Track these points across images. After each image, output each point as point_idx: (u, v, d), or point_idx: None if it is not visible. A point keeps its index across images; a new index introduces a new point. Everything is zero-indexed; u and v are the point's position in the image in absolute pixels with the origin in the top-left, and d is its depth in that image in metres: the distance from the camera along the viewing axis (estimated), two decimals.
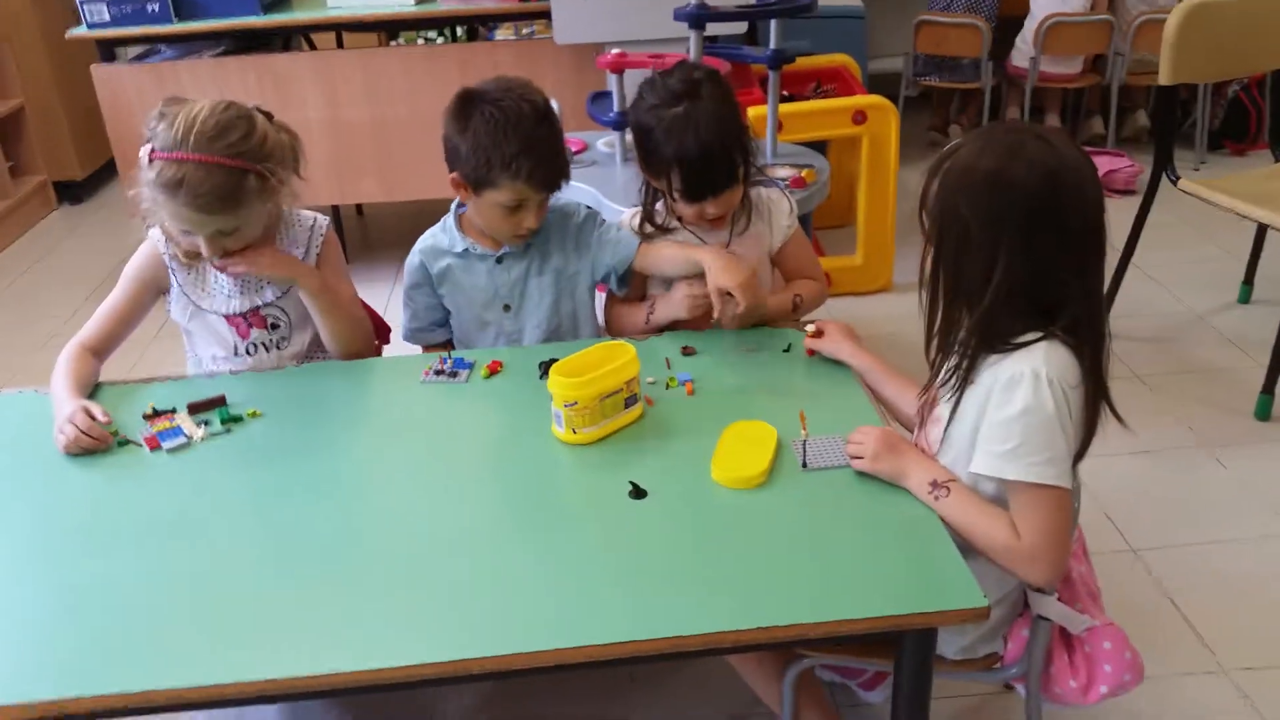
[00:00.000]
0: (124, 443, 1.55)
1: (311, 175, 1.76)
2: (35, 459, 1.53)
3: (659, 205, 1.87)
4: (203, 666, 1.13)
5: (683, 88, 1.73)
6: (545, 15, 3.30)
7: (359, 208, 4.35)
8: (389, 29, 4.16)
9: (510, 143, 1.66)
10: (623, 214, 1.96)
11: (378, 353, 1.93)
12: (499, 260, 1.83)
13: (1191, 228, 3.61)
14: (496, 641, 1.14)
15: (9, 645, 1.19)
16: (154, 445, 1.54)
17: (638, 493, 1.37)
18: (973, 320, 1.29)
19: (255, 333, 1.79)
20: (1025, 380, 1.25)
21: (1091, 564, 1.47)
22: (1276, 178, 2.78)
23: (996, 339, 1.29)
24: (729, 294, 1.69)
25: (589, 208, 1.91)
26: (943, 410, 1.38)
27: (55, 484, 1.48)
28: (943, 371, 1.37)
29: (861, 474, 1.38)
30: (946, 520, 1.30)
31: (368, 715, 1.90)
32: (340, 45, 4.04)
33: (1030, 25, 4.30)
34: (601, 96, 2.93)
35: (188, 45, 3.56)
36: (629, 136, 2.36)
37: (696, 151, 1.70)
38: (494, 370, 1.70)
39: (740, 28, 3.28)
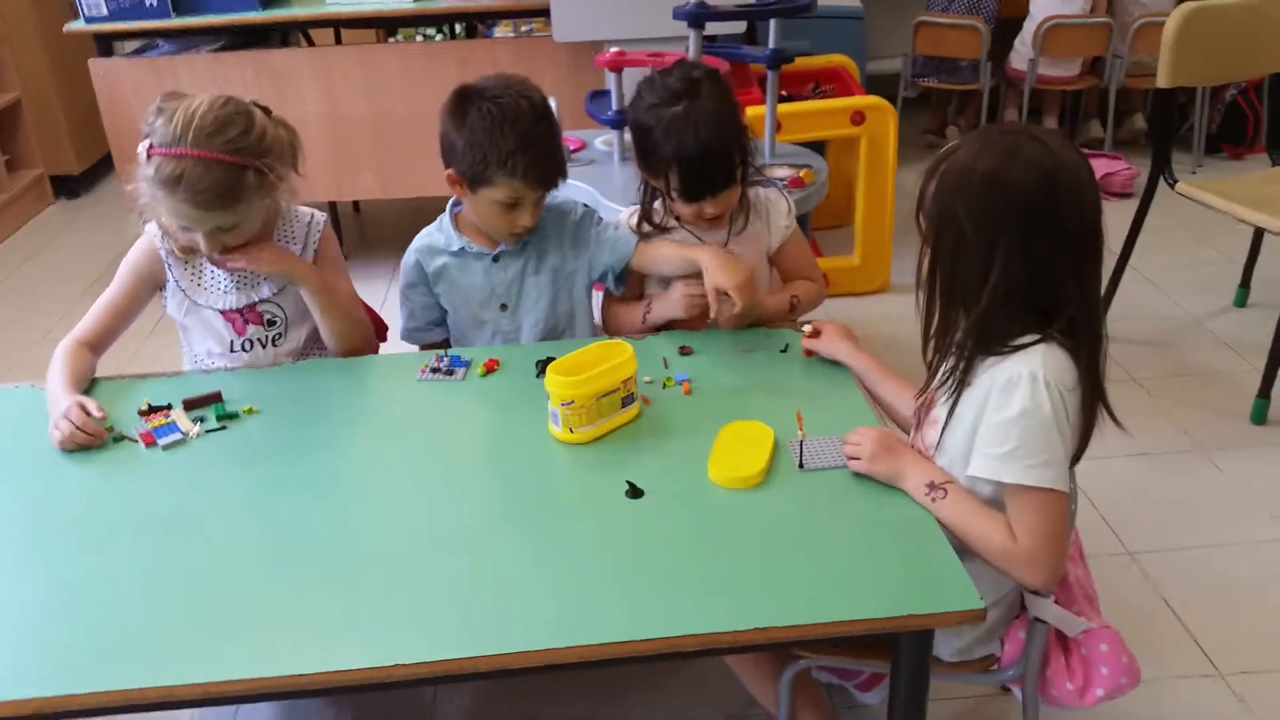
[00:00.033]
0: (119, 439, 1.55)
1: (309, 172, 1.75)
2: (30, 454, 1.53)
3: (657, 204, 1.86)
4: (198, 664, 1.13)
5: (682, 87, 1.73)
6: (544, 13, 3.29)
7: (356, 205, 4.34)
8: (387, 25, 4.15)
9: (507, 140, 1.66)
10: (621, 213, 1.95)
11: (375, 351, 1.92)
12: (495, 259, 1.83)
13: (1189, 231, 3.62)
14: (493, 640, 1.14)
15: (3, 641, 1.18)
16: (149, 441, 1.53)
17: (634, 492, 1.37)
18: (969, 322, 1.29)
19: (251, 329, 1.79)
20: (1023, 383, 1.25)
21: (1088, 567, 1.47)
22: (1274, 182, 2.78)
23: (993, 341, 1.29)
24: (726, 294, 1.69)
25: (586, 206, 1.90)
26: (940, 412, 1.37)
27: (50, 480, 1.48)
28: (940, 373, 1.37)
29: (858, 475, 1.38)
30: (943, 522, 1.30)
31: (365, 714, 1.90)
32: (339, 42, 4.03)
33: (1029, 27, 4.30)
34: (600, 95, 2.92)
35: (185, 40, 3.56)
36: (627, 135, 2.36)
37: (695, 151, 1.69)
38: (491, 368, 1.70)
39: (739, 27, 3.27)
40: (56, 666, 1.14)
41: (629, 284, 1.90)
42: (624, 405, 1.52)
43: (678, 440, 1.49)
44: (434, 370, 1.70)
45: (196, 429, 1.56)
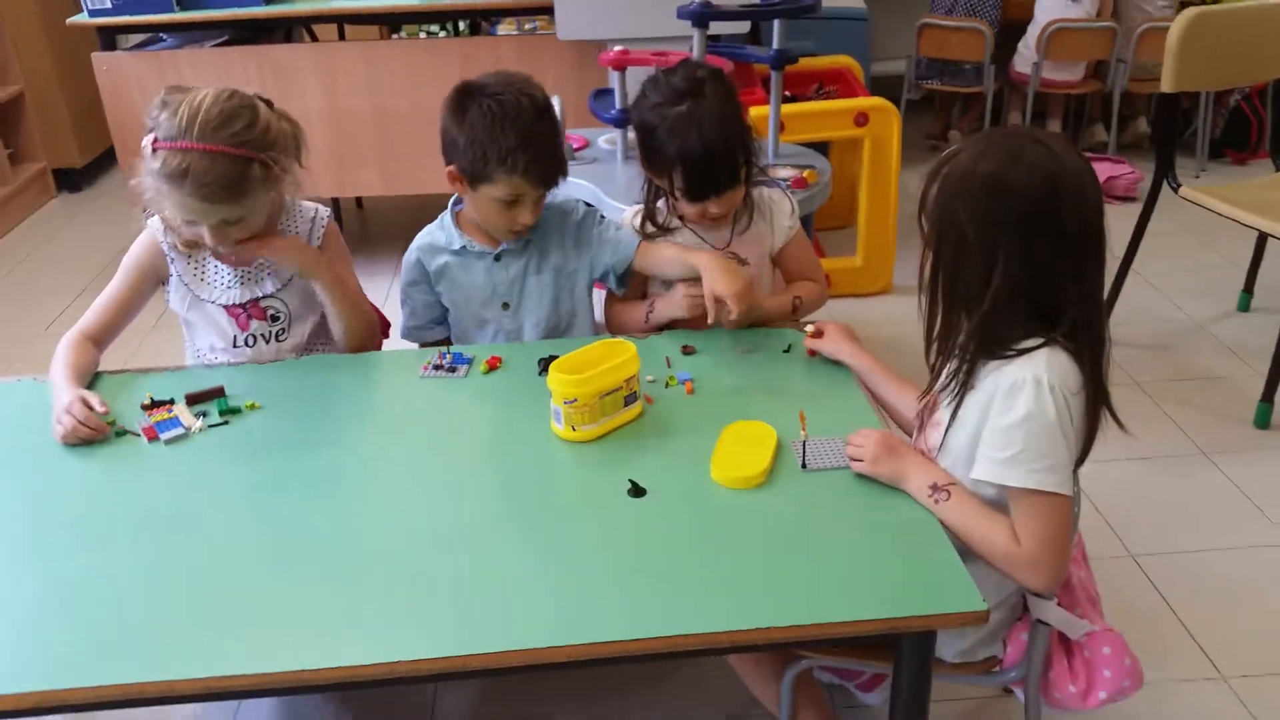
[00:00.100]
0: (121, 433, 1.55)
1: (312, 167, 1.75)
2: (33, 448, 1.53)
3: (660, 203, 1.86)
4: (197, 659, 1.13)
5: (686, 86, 1.72)
6: (548, 11, 3.29)
7: (359, 201, 4.34)
8: (391, 22, 4.15)
9: (507, 137, 1.65)
10: (624, 212, 1.95)
11: (379, 347, 1.92)
12: (497, 258, 1.82)
13: (1192, 235, 3.62)
14: (493, 638, 1.14)
15: (4, 636, 1.18)
16: (152, 436, 1.53)
17: (637, 491, 1.37)
18: (972, 324, 1.29)
19: (255, 324, 1.79)
20: (1027, 386, 1.24)
21: (1091, 569, 1.47)
22: (1277, 187, 2.78)
23: (996, 344, 1.29)
24: (723, 301, 1.68)
25: (588, 205, 1.90)
26: (942, 414, 1.37)
27: (53, 474, 1.47)
28: (943, 375, 1.36)
29: (861, 475, 1.38)
30: (946, 524, 1.29)
31: (366, 712, 1.89)
32: (342, 37, 4.03)
33: (1033, 30, 4.30)
34: (603, 93, 2.92)
35: (189, 34, 3.55)
36: (631, 134, 2.36)
37: (699, 150, 1.69)
38: (493, 366, 1.69)
39: (743, 27, 3.27)
40: (57, 661, 1.14)
41: (631, 284, 1.89)
42: (626, 404, 1.51)
43: (680, 440, 1.48)
44: (436, 367, 1.70)
45: (199, 424, 1.55)
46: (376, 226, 4.24)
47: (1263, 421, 2.57)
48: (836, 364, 1.65)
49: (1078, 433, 1.28)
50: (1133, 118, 4.55)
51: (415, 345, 1.91)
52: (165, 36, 3.57)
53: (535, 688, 1.88)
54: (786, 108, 2.98)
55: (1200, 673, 1.86)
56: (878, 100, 3.21)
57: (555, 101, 1.78)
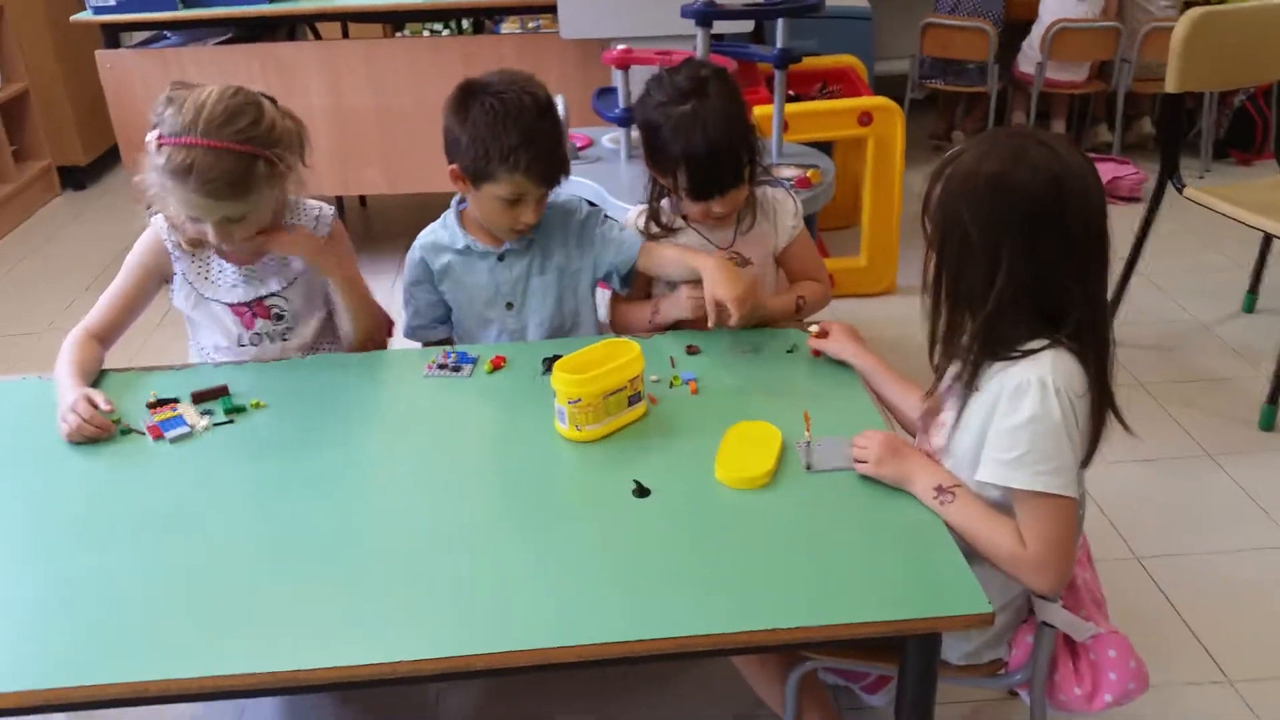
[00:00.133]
0: (126, 431, 1.55)
1: (315, 165, 1.75)
2: (37, 446, 1.52)
3: (664, 203, 1.86)
4: (200, 659, 1.13)
5: (690, 85, 1.72)
6: (552, 9, 3.29)
7: (362, 199, 4.34)
8: (394, 20, 4.15)
9: (509, 135, 1.65)
10: (628, 211, 1.95)
11: (385, 345, 1.92)
12: (501, 258, 1.82)
13: (1196, 236, 3.61)
14: (496, 639, 1.14)
15: (6, 633, 1.18)
16: (157, 434, 1.53)
17: (641, 491, 1.37)
18: (975, 325, 1.28)
19: (260, 323, 1.78)
20: (1032, 388, 1.24)
21: (1096, 571, 1.47)
22: None
23: (999, 345, 1.28)
24: (724, 304, 1.68)
25: (591, 204, 1.90)
26: (947, 416, 1.37)
27: (57, 472, 1.47)
28: (946, 376, 1.36)
29: (865, 477, 1.37)
30: (951, 526, 1.29)
31: (366, 712, 1.89)
32: (345, 36, 4.02)
33: (1038, 30, 4.29)
34: (607, 92, 2.92)
35: (192, 32, 3.55)
36: (634, 133, 2.35)
37: (704, 150, 1.69)
38: (497, 365, 1.69)
39: (747, 26, 3.26)
40: (58, 660, 1.14)
41: (635, 284, 1.89)
42: (631, 404, 1.51)
43: (684, 440, 1.48)
44: (440, 366, 1.69)
45: (203, 422, 1.55)
46: (380, 225, 4.24)
47: (1268, 423, 2.56)
48: (841, 364, 1.64)
49: (1083, 434, 1.28)
50: (1137, 118, 4.54)
51: (418, 344, 1.91)
52: (169, 34, 3.57)
53: (539, 688, 1.88)
54: (790, 107, 2.97)
55: (1206, 676, 1.86)
56: (881, 100, 3.20)
57: (559, 100, 1.78)
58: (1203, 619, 1.97)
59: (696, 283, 1.75)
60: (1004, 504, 1.30)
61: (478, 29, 4.05)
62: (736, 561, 1.24)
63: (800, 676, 1.48)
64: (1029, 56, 4.37)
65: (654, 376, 1.62)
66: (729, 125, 1.70)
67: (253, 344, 1.79)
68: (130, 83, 3.42)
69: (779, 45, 2.63)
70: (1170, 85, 2.63)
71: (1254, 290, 3.15)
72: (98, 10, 3.35)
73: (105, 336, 1.73)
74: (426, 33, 4.46)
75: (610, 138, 2.86)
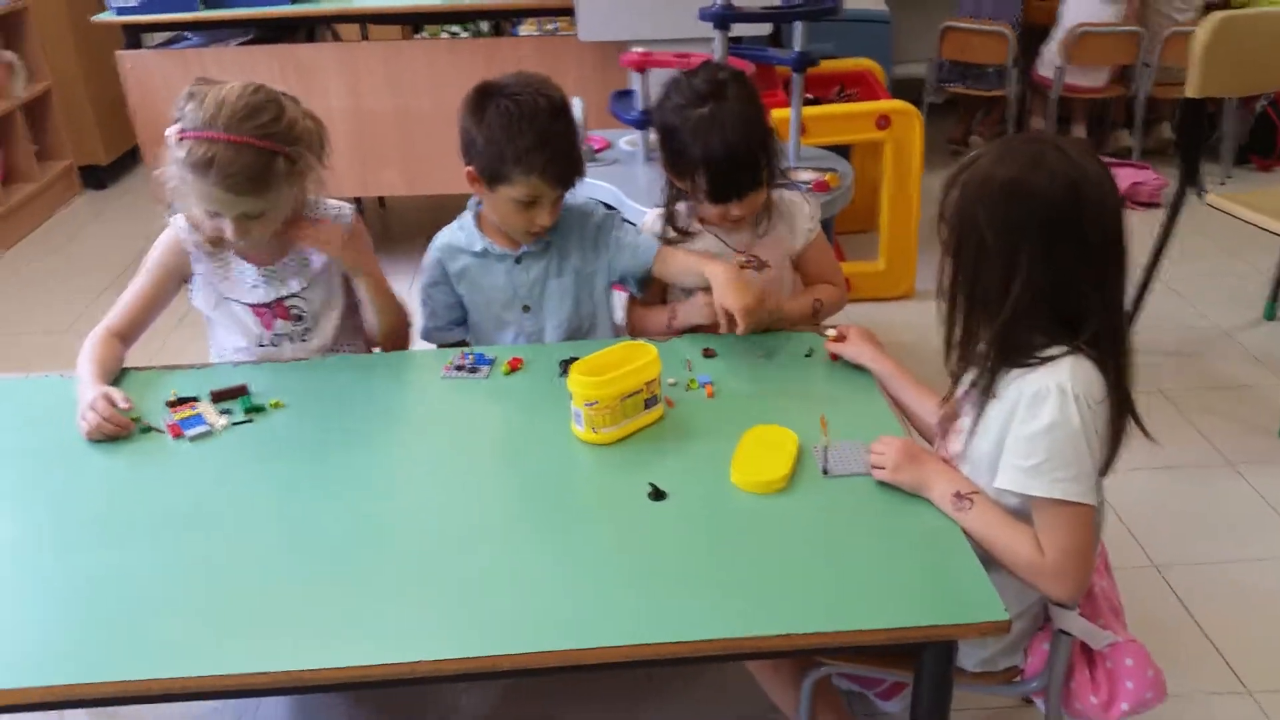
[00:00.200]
0: (146, 430, 1.56)
1: (334, 166, 1.75)
2: (58, 443, 1.54)
3: (680, 206, 1.86)
4: (212, 657, 1.13)
5: (708, 88, 1.72)
6: (569, 12, 3.29)
7: (381, 200, 4.36)
8: (413, 21, 4.16)
9: (525, 137, 1.65)
10: (646, 214, 1.95)
11: (408, 345, 1.93)
12: (518, 260, 1.82)
13: (1216, 242, 3.58)
14: (511, 640, 1.14)
15: (28, 629, 1.19)
16: (177, 433, 1.54)
17: (657, 494, 1.37)
18: (992, 331, 1.28)
19: (279, 324, 1.79)
20: (1051, 395, 1.23)
21: (1114, 579, 1.46)
22: None
23: (1016, 351, 1.27)
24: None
25: (608, 208, 1.90)
26: (964, 422, 1.36)
27: (77, 469, 1.48)
28: (964, 382, 1.35)
29: (883, 482, 1.37)
30: (969, 533, 1.28)
31: (380, 712, 1.90)
32: (365, 37, 4.04)
33: (1058, 34, 4.27)
34: (624, 94, 2.92)
35: (213, 33, 3.58)
36: (652, 135, 2.35)
37: (722, 153, 1.69)
38: (514, 367, 1.70)
39: (765, 29, 3.26)
40: (78, 655, 1.14)
41: (651, 288, 1.89)
42: (647, 407, 1.51)
43: (701, 443, 1.48)
44: (458, 368, 1.70)
45: (223, 421, 1.56)
46: (399, 226, 4.26)
47: None
48: (858, 368, 1.64)
49: (1102, 442, 1.27)
50: (1156, 123, 4.52)
51: (434, 346, 1.92)
52: (190, 35, 3.60)
53: (555, 690, 1.88)
54: (808, 110, 2.97)
55: (1226, 686, 1.84)
56: (899, 103, 3.19)
57: (576, 103, 1.78)
58: (1221, 628, 1.96)
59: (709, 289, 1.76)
60: (1022, 511, 1.29)
61: (496, 31, 4.06)
62: (752, 566, 1.24)
63: (815, 682, 1.47)
64: (1048, 60, 4.35)
65: (671, 380, 1.62)
66: (747, 128, 1.70)
67: (273, 344, 1.79)
68: (151, 83, 3.45)
69: (797, 48, 2.62)
70: (1191, 90, 2.62)
71: (1275, 298, 3.13)
72: (119, 11, 3.37)
73: (126, 335, 1.74)
74: (445, 35, 4.46)
75: (628, 140, 2.86)
